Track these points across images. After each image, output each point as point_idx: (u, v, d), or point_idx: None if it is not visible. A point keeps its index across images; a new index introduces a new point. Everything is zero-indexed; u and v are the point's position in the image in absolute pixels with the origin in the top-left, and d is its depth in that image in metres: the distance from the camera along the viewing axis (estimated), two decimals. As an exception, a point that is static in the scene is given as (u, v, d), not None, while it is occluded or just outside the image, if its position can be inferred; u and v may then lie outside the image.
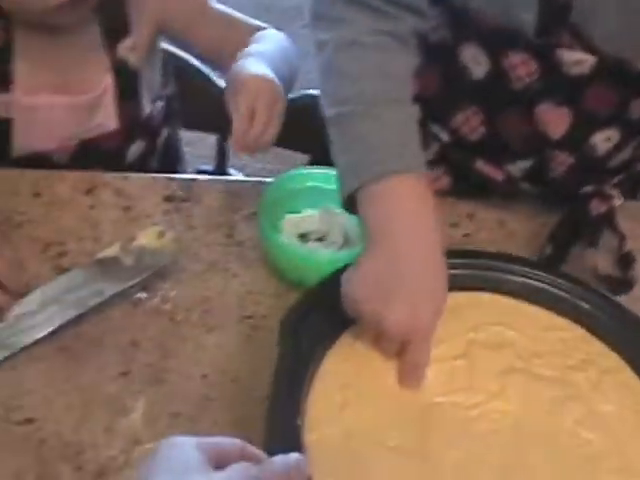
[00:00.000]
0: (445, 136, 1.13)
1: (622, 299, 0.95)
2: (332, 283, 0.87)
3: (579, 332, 0.93)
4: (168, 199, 1.12)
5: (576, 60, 0.97)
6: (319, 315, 0.87)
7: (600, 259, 1.02)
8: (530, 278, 0.95)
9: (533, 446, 0.82)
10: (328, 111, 0.92)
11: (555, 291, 0.94)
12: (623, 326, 0.92)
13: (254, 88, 1.02)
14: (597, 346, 0.92)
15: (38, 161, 1.19)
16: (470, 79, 1.06)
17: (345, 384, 0.85)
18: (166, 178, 1.16)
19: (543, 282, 0.95)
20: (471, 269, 0.95)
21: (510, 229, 1.13)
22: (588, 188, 1.07)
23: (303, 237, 1.05)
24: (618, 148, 1.07)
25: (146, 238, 1.01)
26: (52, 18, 1.11)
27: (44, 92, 1.19)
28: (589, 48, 0.96)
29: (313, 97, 1.06)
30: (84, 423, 0.86)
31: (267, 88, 1.03)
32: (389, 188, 0.86)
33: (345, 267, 0.87)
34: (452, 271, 0.88)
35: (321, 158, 1.01)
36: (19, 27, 1.15)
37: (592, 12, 0.93)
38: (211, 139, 1.57)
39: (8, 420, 0.86)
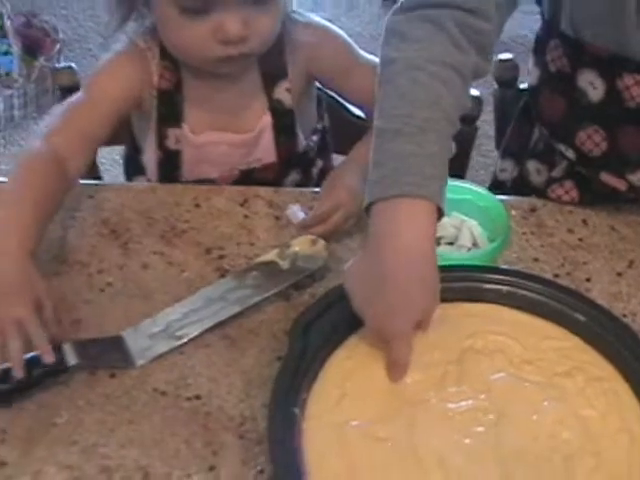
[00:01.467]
0: (571, 154, 1.22)
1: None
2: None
3: (575, 342, 0.98)
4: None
5: None
6: (331, 317, 0.97)
7: None
8: (531, 291, 1.01)
9: (512, 441, 0.88)
10: (377, 122, 0.99)
11: (554, 304, 1.00)
12: (617, 336, 0.96)
13: (336, 202, 1.16)
14: (591, 355, 0.96)
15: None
16: (588, 101, 1.14)
17: (345, 379, 0.93)
18: (311, 192, 1.27)
19: (543, 295, 1.01)
20: (478, 282, 1.03)
21: (621, 234, 1.22)
22: None
23: (435, 241, 1.13)
24: None
25: (300, 245, 1.13)
26: (215, 68, 1.21)
27: (209, 130, 1.30)
28: None
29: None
30: (244, 400, 0.97)
31: (345, 205, 1.16)
32: (403, 205, 0.93)
33: None
34: (454, 284, 1.00)
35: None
36: (187, 72, 1.26)
37: None
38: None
39: (178, 396, 0.98)
